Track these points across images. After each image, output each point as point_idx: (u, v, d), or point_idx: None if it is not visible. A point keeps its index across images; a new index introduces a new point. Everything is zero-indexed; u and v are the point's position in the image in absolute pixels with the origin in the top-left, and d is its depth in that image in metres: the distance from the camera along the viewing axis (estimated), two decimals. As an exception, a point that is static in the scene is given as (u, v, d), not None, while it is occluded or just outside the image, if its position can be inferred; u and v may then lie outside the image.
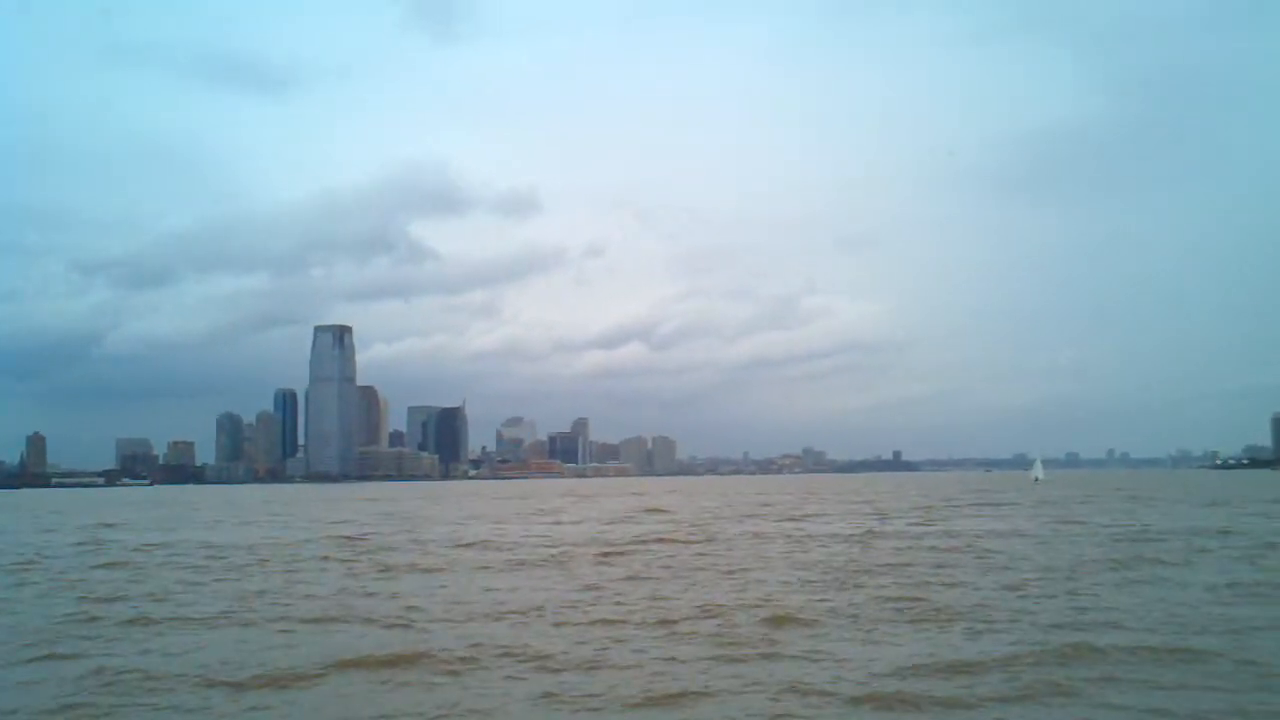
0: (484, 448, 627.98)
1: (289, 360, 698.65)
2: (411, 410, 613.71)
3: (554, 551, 43.83)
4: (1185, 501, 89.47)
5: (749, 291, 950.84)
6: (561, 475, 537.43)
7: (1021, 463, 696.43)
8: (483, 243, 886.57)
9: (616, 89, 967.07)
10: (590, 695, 16.70)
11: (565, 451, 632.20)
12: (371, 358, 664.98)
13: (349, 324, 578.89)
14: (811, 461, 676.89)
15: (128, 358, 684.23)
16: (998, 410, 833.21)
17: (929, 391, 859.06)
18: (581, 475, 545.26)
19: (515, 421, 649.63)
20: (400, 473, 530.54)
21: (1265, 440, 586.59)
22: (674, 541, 49.46)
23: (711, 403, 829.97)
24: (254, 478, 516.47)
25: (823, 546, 44.43)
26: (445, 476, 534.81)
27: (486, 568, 37.82)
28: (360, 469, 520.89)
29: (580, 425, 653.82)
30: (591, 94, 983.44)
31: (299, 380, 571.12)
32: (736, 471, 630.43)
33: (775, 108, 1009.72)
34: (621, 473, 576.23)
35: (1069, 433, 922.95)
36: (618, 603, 27.16)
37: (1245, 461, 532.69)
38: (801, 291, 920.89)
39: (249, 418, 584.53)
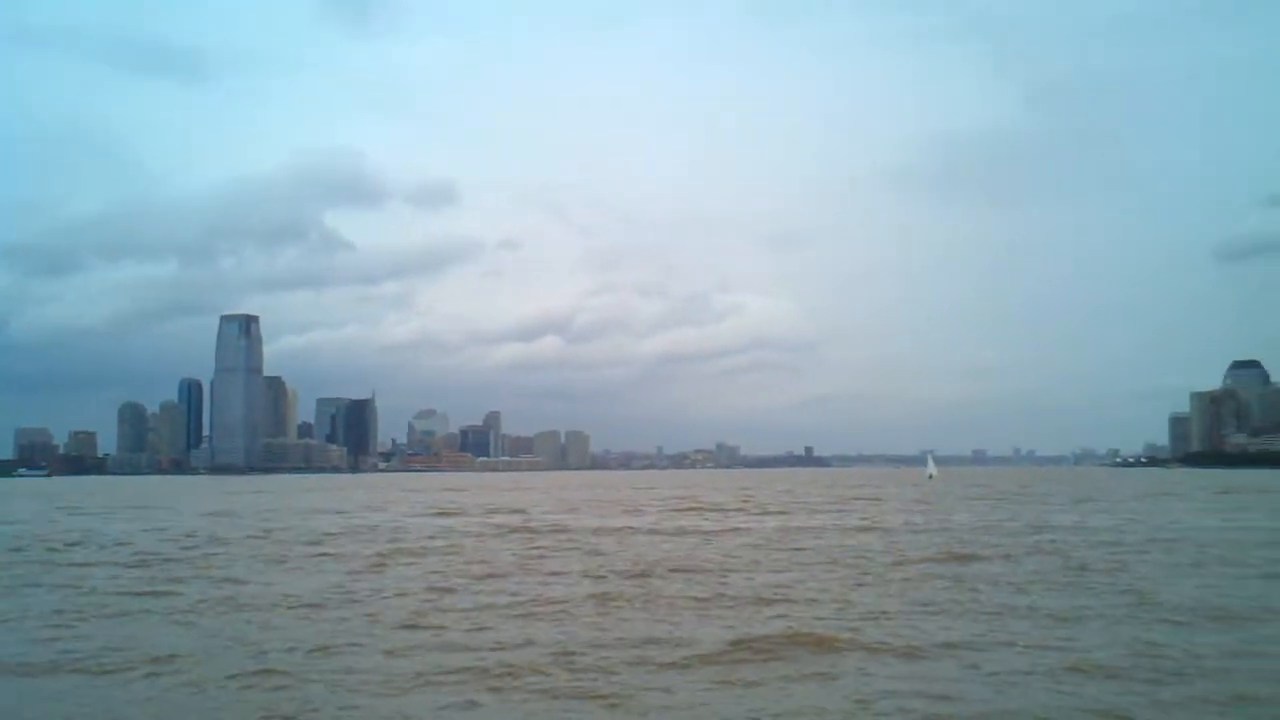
0: (394, 440, 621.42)
1: (196, 350, 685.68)
2: (320, 402, 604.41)
3: (371, 550, 42.49)
4: (1056, 498, 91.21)
5: (664, 288, 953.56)
6: (473, 469, 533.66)
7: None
8: (397, 234, 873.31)
9: (537, 85, 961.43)
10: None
11: (477, 445, 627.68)
12: (282, 349, 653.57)
13: (258, 314, 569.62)
14: (725, 457, 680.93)
15: (28, 345, 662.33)
16: (909, 408, 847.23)
17: (841, 389, 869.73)
18: (493, 469, 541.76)
19: (427, 414, 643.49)
20: (308, 465, 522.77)
21: (1163, 439, 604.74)
22: (515, 532, 49.19)
23: (626, 397, 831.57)
24: (157, 469, 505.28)
25: (647, 537, 44.45)
26: (354, 469, 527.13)
27: (283, 560, 37.16)
28: (266, 461, 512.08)
29: (493, 418, 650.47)
30: (511, 90, 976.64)
31: (206, 371, 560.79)
32: (650, 466, 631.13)
33: (695, 107, 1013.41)
34: (534, 466, 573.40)
35: (977, 431, 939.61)
36: (352, 599, 26.60)
37: (1144, 460, 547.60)
38: (716, 288, 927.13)
39: (153, 408, 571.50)
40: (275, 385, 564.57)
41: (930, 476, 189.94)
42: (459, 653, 18.96)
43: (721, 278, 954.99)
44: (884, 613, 23.23)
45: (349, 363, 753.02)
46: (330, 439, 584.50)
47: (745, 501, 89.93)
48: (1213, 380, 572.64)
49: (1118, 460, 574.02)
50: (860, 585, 28.31)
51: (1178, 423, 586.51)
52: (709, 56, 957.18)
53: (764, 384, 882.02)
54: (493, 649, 19.28)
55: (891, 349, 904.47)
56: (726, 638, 19.99)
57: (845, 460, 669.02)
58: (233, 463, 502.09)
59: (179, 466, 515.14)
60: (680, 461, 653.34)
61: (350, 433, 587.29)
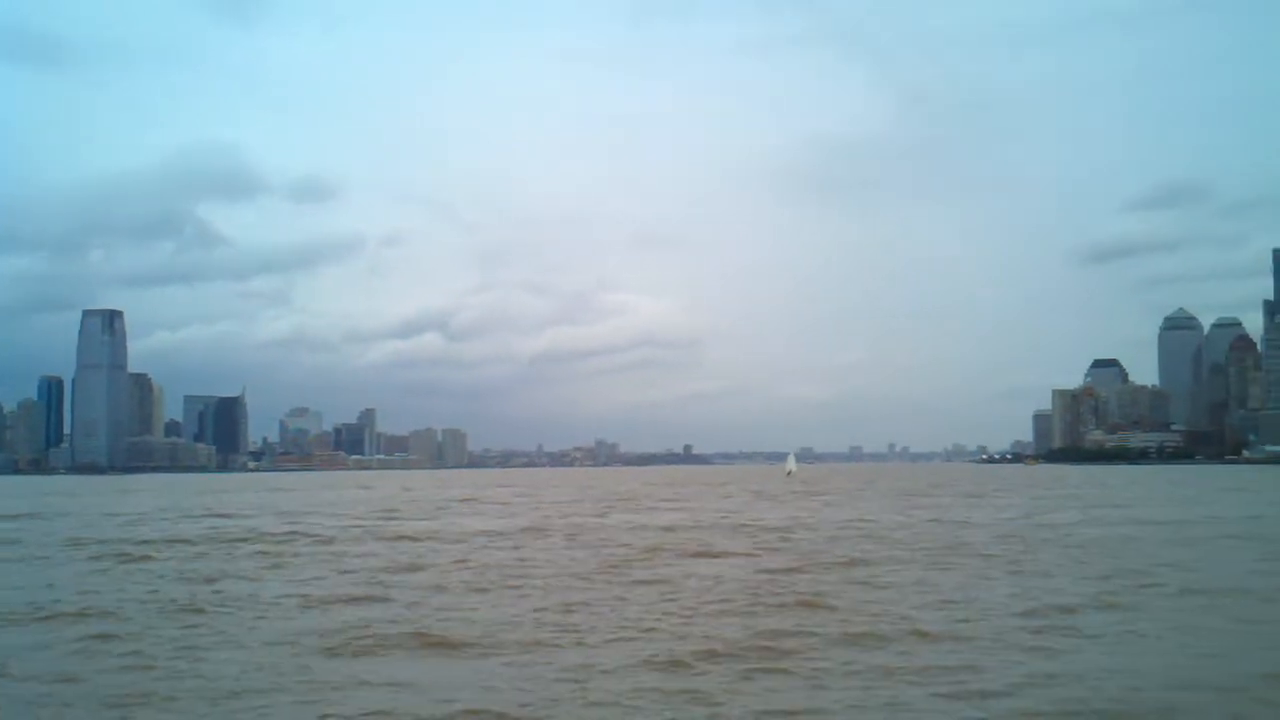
0: (265, 439, 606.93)
1: (60, 347, 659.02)
2: (188, 399, 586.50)
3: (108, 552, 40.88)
4: (882, 496, 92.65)
5: (547, 285, 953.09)
6: (346, 467, 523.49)
7: (807, 456, 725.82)
8: (276, 229, 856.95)
9: (422, 82, 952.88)
10: None
11: (351, 443, 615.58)
12: (154, 345, 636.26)
13: (129, 309, 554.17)
14: (604, 455, 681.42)
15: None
16: (788, 405, 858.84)
17: (722, 386, 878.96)
18: (367, 467, 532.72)
19: (300, 412, 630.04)
20: (175, 464, 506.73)
21: (1029, 436, 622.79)
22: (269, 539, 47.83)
23: (506, 395, 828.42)
24: (14, 469, 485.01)
25: (411, 542, 43.82)
26: (223, 468, 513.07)
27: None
28: (131, 460, 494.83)
29: (367, 416, 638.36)
30: (394, 85, 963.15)
31: (69, 368, 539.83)
32: (529, 464, 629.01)
33: (580, 105, 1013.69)
34: (409, 465, 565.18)
35: (854, 427, 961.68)
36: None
37: (1009, 456, 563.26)
38: (599, 287, 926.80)
39: (11, 406, 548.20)
40: (141, 382, 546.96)
41: (789, 473, 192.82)
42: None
43: (607, 276, 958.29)
44: (534, 613, 23.00)
45: (223, 360, 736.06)
46: (199, 437, 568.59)
47: (578, 500, 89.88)
48: (1075, 378, 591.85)
49: (983, 457, 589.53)
50: (551, 587, 27.98)
51: (1041, 420, 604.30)
52: (592, 57, 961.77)
53: (647, 381, 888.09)
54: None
55: (772, 347, 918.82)
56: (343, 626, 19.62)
57: (726, 457, 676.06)
58: (94, 462, 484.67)
59: (38, 466, 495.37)
60: (560, 459, 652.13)
61: (219, 431, 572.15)
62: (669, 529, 50.32)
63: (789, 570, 31.26)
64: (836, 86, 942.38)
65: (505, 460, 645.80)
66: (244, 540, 45.61)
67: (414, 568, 33.15)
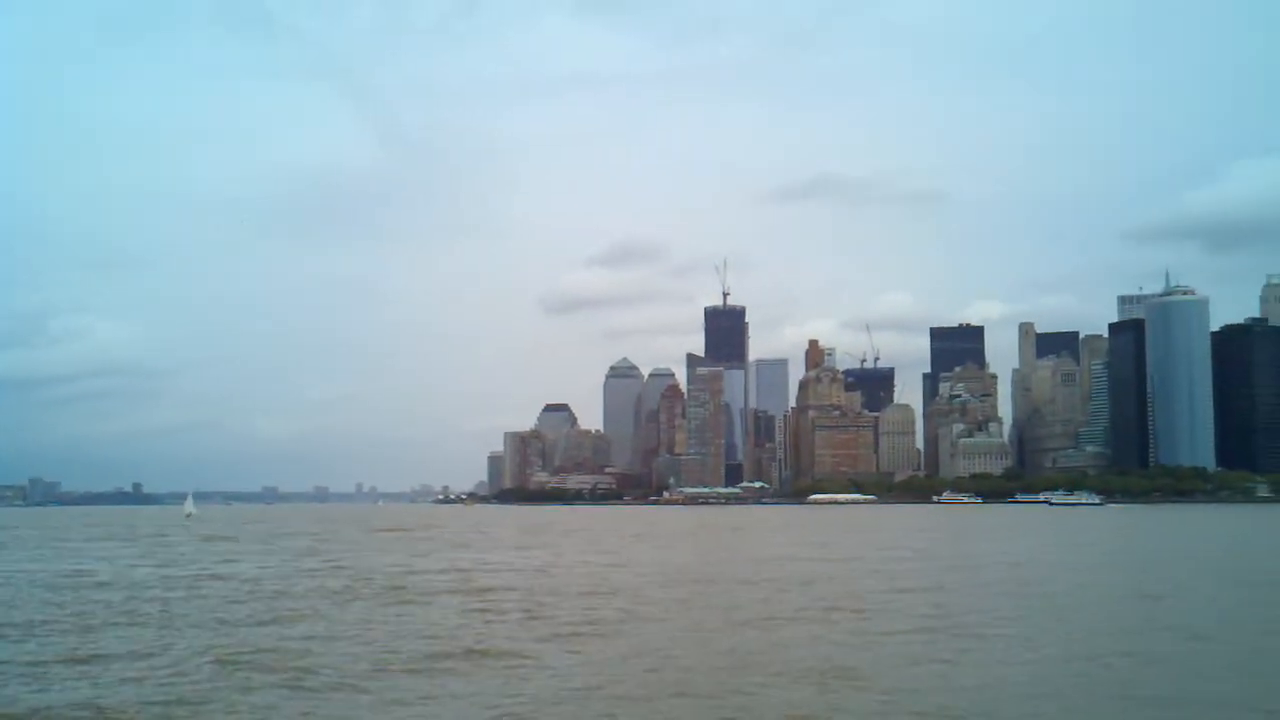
0: None
1: None
2: None
3: None
4: (227, 544, 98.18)
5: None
6: None
7: (271, 496, 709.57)
8: None
9: None
10: None
11: None
12: None
13: None
14: (40, 494, 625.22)
15: None
16: (252, 443, 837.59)
17: (182, 421, 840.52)
18: None
19: None
20: None
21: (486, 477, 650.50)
22: None
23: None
24: None
25: None
26: None
27: None
28: None
29: None
30: None
31: None
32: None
33: (26, 111, 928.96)
34: None
35: (321, 467, 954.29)
36: None
37: (463, 496, 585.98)
38: (48, 310, 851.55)
39: None
40: None
41: (188, 515, 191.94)
42: None
43: (59, 298, 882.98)
44: None
45: None
46: None
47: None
48: (530, 421, 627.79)
49: (439, 497, 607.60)
50: None
51: (495, 460, 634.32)
52: (53, 66, 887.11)
53: (99, 414, 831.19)
54: None
55: (242, 382, 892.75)
56: None
57: (180, 497, 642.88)
58: None
59: None
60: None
61: None
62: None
63: None
64: (323, 124, 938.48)
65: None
66: None
67: None
